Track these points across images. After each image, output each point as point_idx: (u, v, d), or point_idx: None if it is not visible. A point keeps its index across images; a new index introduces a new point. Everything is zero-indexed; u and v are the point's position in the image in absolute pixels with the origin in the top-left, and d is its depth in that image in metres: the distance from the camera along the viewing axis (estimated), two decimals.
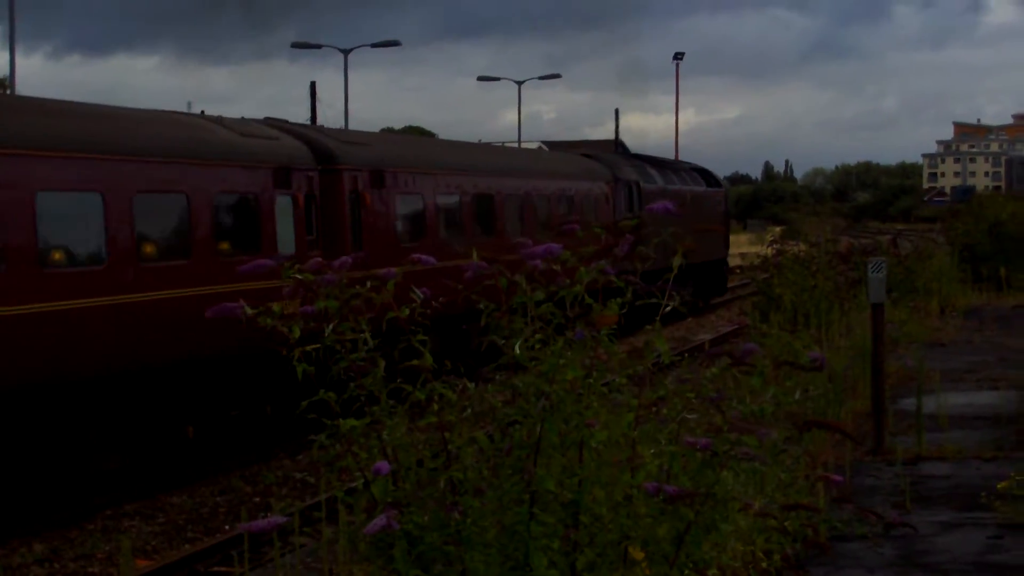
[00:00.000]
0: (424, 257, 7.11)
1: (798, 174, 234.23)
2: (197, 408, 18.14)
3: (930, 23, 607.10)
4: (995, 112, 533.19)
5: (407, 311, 6.18)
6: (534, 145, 70.25)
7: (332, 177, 21.41)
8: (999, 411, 14.85)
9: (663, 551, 6.02)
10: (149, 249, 17.21)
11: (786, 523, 7.73)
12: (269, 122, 22.53)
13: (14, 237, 14.93)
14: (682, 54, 79.47)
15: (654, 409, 6.38)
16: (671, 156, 60.24)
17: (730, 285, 44.62)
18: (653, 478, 6.03)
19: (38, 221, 15.21)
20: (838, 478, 7.43)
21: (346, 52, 54.58)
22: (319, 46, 56.57)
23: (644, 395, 6.29)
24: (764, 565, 7.84)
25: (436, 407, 6.17)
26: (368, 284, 6.24)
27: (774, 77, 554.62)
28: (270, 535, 6.37)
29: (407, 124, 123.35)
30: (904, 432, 13.48)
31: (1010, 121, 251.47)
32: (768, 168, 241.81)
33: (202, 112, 21.98)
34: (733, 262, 47.51)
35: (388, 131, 75.37)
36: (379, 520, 5.52)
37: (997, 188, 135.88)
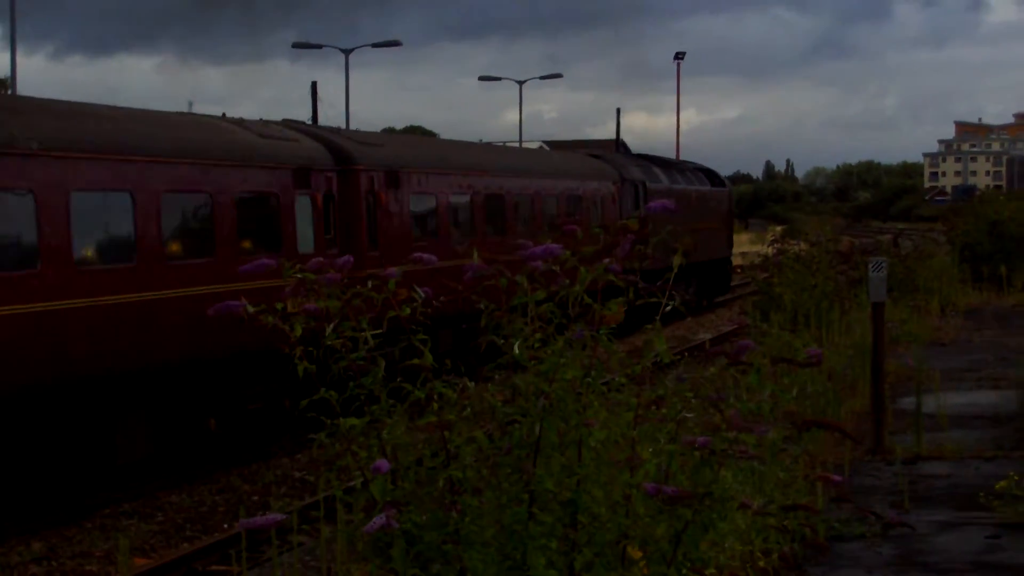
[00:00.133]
0: (426, 256, 7.12)
1: (799, 173, 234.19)
2: (218, 404, 18.56)
3: (931, 22, 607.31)
4: (997, 111, 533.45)
5: (408, 310, 6.20)
6: (535, 145, 70.26)
7: (349, 177, 21.89)
8: (999, 411, 14.87)
9: (661, 550, 6.04)
10: (175, 247, 17.75)
11: (785, 522, 7.75)
12: (287, 124, 23.15)
13: (50, 236, 15.45)
14: (683, 54, 79.55)
15: (653, 408, 6.39)
16: (672, 155, 60.26)
17: (733, 284, 44.80)
18: (652, 478, 6.04)
19: (72, 220, 15.73)
20: (837, 478, 7.45)
21: (347, 52, 54.58)
22: (320, 46, 56.59)
23: (643, 395, 6.30)
24: (762, 564, 7.85)
25: (436, 406, 6.18)
26: (369, 283, 6.26)
27: (775, 77, 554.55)
28: (268, 534, 6.39)
29: (408, 124, 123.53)
30: (903, 431, 13.49)
31: (1011, 120, 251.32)
32: (769, 167, 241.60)
33: (223, 115, 22.39)
34: (734, 261, 47.56)
35: (390, 131, 75.38)
36: (378, 519, 5.54)
37: (998, 187, 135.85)
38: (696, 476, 6.13)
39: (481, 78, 68.10)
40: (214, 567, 13.72)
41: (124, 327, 16.39)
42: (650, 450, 6.24)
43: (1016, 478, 10.15)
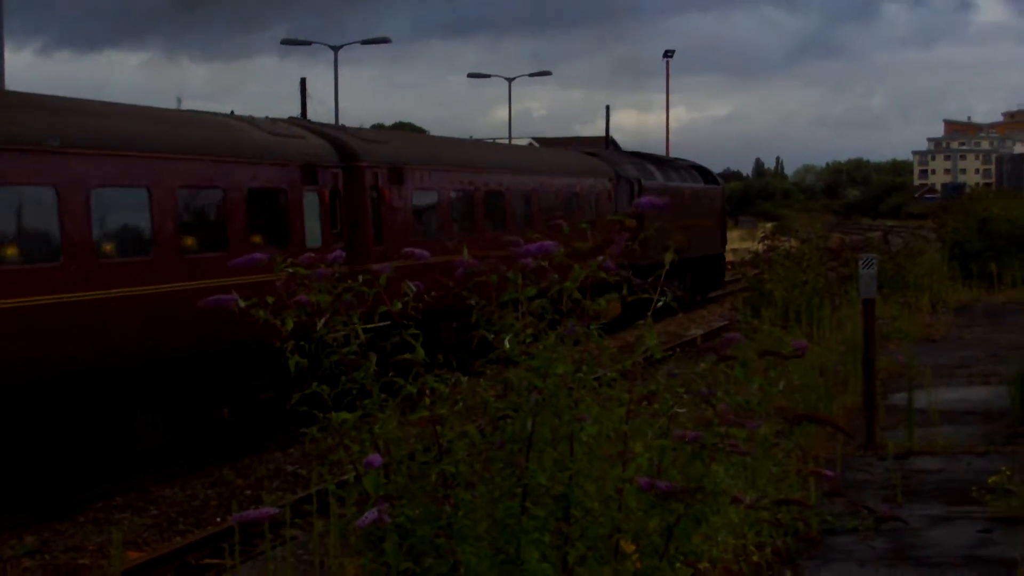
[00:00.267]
0: (418, 251, 7.15)
1: (789, 171, 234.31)
2: (230, 393, 18.93)
3: (920, 22, 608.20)
4: (985, 110, 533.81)
5: (399, 305, 6.19)
6: (525, 142, 70.27)
7: (355, 174, 22.39)
8: (990, 406, 14.87)
9: (653, 544, 6.03)
10: (189, 241, 18.18)
11: (778, 516, 7.75)
12: (293, 121, 23.81)
13: (72, 230, 15.92)
14: (672, 52, 79.67)
15: (644, 404, 6.38)
16: (662, 153, 60.29)
17: (725, 280, 45.06)
18: (644, 472, 6.03)
19: (92, 216, 16.22)
20: (829, 472, 7.45)
21: (336, 49, 54.54)
22: (309, 43, 56.51)
23: (635, 390, 6.30)
24: (755, 559, 7.86)
25: (428, 401, 6.17)
26: (360, 278, 6.26)
27: (764, 75, 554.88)
28: (261, 527, 6.38)
29: (397, 121, 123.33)
30: (895, 427, 13.50)
31: (1000, 119, 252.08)
32: (759, 165, 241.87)
33: (231, 112, 22.89)
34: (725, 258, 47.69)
35: (379, 128, 75.25)
36: (370, 514, 5.52)
37: (988, 185, 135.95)
38: (687, 470, 6.12)
39: (470, 75, 68.31)
40: (207, 560, 13.69)
41: (141, 318, 16.86)
42: (641, 445, 6.23)
43: (1008, 473, 10.16)
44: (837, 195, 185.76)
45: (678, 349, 23.12)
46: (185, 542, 14.13)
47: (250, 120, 21.45)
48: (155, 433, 17.74)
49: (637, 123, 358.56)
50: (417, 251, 7.14)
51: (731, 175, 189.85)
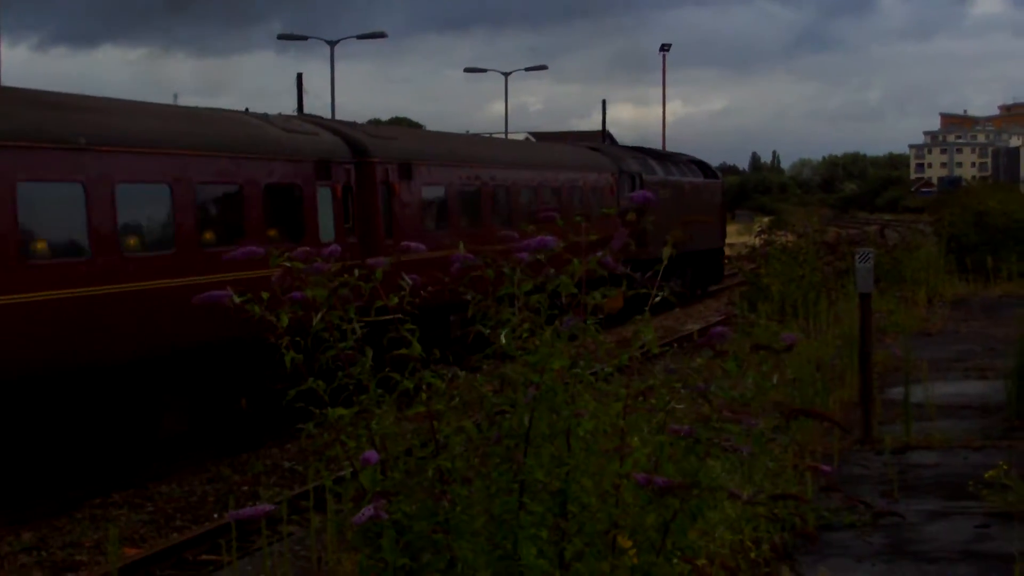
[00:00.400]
0: (414, 244, 7.18)
1: (785, 165, 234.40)
2: (248, 383, 19.18)
3: (916, 14, 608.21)
4: (982, 103, 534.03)
5: (395, 299, 6.17)
6: (521, 136, 70.29)
7: (366, 169, 22.85)
8: (986, 400, 14.88)
9: (650, 539, 6.02)
10: (209, 235, 18.69)
11: (775, 512, 7.73)
12: (305, 118, 24.37)
13: (99, 225, 16.42)
14: (669, 46, 79.46)
15: (641, 399, 6.37)
16: (658, 147, 60.26)
17: (724, 274, 45.30)
18: (640, 467, 6.02)
19: (118, 211, 16.70)
20: (826, 467, 7.43)
21: (332, 43, 54.43)
22: (305, 38, 56.35)
23: (632, 385, 6.28)
24: (753, 555, 7.85)
25: (424, 396, 6.15)
26: (356, 272, 6.24)
27: (761, 69, 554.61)
28: (258, 523, 6.36)
29: (394, 116, 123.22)
30: (892, 421, 13.49)
31: (996, 112, 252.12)
32: (755, 159, 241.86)
33: (246, 109, 23.40)
34: None
35: (376, 123, 75.15)
36: (367, 510, 5.51)
37: (984, 179, 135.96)
38: (683, 464, 6.11)
39: (467, 70, 68.31)
40: (204, 557, 13.70)
41: (165, 311, 17.15)
42: (637, 439, 6.22)
43: (1005, 467, 10.14)
44: (833, 189, 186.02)
45: (675, 344, 23.10)
46: (182, 538, 14.12)
47: (265, 117, 21.90)
48: (177, 423, 18.19)
49: (634, 117, 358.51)
50: (413, 244, 7.15)
51: (727, 169, 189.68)
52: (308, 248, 6.39)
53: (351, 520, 5.67)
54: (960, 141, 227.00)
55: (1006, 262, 31.83)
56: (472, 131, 57.27)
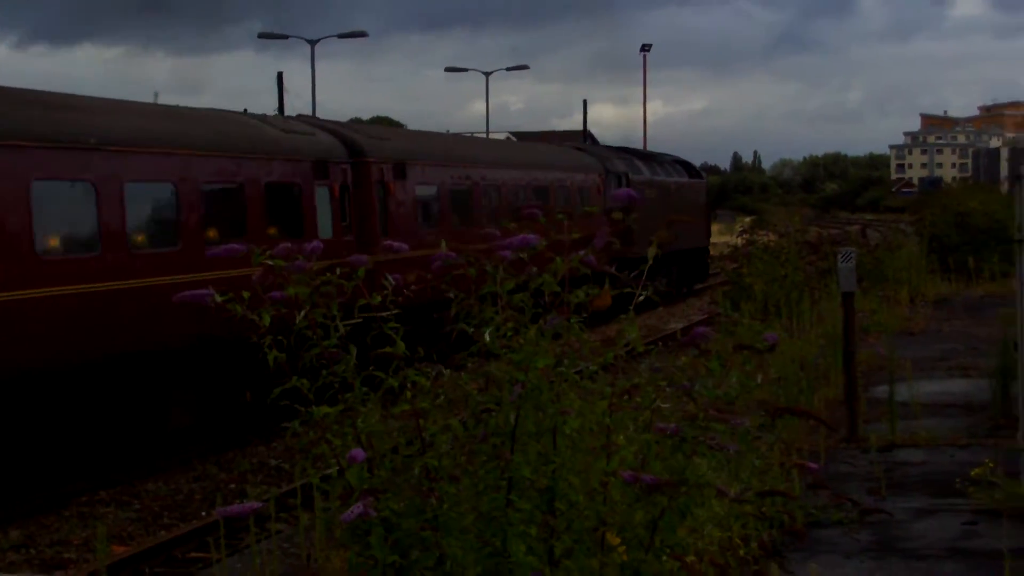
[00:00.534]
0: (396, 244, 7.16)
1: (766, 165, 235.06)
2: (251, 377, 19.05)
3: (895, 16, 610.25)
4: (962, 104, 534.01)
5: (378, 298, 6.12)
6: (502, 136, 70.24)
7: (362, 169, 23.37)
8: (971, 399, 14.88)
9: (639, 536, 5.99)
10: (212, 233, 19.07)
11: (763, 509, 7.71)
12: (301, 119, 24.91)
13: (108, 223, 16.87)
14: (649, 46, 79.55)
15: (627, 397, 6.34)
16: (640, 147, 60.34)
17: (710, 272, 45.68)
18: (627, 465, 5.99)
19: (126, 208, 17.17)
20: (813, 465, 7.42)
21: (313, 42, 54.31)
22: (286, 36, 56.23)
23: (617, 383, 6.25)
24: (742, 552, 7.81)
25: (409, 394, 6.11)
26: (338, 270, 6.20)
27: (741, 69, 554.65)
28: (246, 521, 6.31)
29: (374, 115, 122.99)
30: (877, 420, 13.48)
31: (976, 113, 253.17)
32: (736, 159, 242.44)
33: (244, 110, 23.90)
34: None
35: (356, 122, 75.08)
36: (356, 508, 5.46)
37: (965, 179, 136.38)
38: (669, 463, 6.08)
39: (447, 69, 67.99)
40: (192, 554, 13.67)
41: (171, 306, 16.98)
42: (622, 438, 6.19)
43: (991, 465, 10.13)
44: (815, 189, 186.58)
45: (660, 343, 23.09)
46: (170, 536, 14.09)
47: (263, 118, 22.50)
48: (185, 415, 18.57)
49: (615, 117, 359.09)
50: (396, 244, 7.13)
51: (709, 169, 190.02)
52: (290, 244, 6.34)
53: (340, 518, 5.62)
54: (940, 142, 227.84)
55: (987, 262, 31.89)
56: (453, 130, 57.21)
